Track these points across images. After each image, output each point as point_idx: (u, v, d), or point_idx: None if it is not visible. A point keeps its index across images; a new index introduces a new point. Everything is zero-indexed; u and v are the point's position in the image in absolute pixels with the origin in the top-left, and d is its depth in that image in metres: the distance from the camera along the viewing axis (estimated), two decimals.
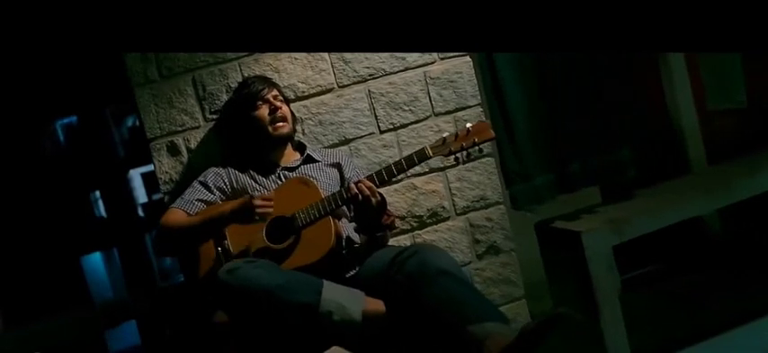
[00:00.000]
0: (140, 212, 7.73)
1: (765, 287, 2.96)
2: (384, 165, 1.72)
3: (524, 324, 1.10)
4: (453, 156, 1.60)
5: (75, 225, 5.87)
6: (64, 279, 5.35)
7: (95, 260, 6.87)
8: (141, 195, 9.41)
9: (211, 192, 1.76)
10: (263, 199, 1.55)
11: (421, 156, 1.62)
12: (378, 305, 1.40)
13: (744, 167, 2.70)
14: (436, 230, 2.04)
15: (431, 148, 1.62)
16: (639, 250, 3.44)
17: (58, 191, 5.61)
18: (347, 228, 1.70)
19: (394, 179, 1.79)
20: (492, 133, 1.63)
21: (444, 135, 1.63)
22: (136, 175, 8.97)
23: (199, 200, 1.75)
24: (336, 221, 1.67)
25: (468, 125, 1.63)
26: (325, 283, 1.42)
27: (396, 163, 1.63)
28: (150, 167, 2.16)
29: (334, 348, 1.53)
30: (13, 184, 5.24)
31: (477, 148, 1.60)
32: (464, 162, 1.86)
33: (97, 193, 7.03)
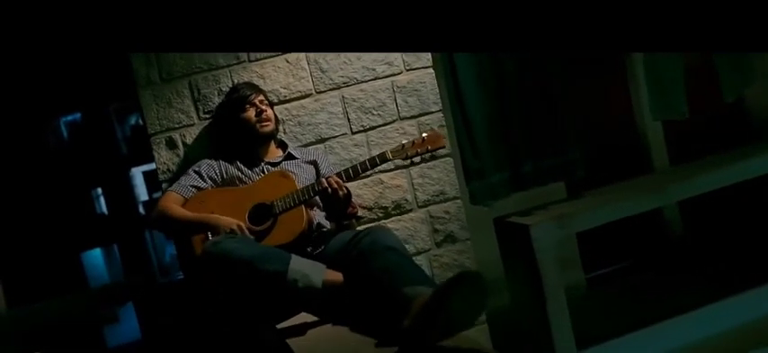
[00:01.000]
0: (141, 210, 8.03)
1: (706, 284, 3.23)
2: (355, 161, 2.00)
3: (438, 284, 1.39)
4: (409, 159, 1.90)
5: (76, 221, 6.05)
6: (64, 274, 5.55)
7: (95, 256, 6.95)
8: (142, 193, 9.48)
9: (204, 180, 2.05)
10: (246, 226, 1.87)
11: (382, 158, 1.92)
12: (336, 276, 1.69)
13: (694, 169, 2.98)
14: (400, 220, 2.33)
15: (391, 152, 1.92)
16: (608, 250, 3.76)
17: (61, 187, 5.80)
18: (318, 216, 1.99)
19: (359, 176, 2.07)
20: (443, 142, 1.92)
21: (403, 142, 1.93)
22: (137, 173, 9.04)
23: (193, 186, 2.04)
24: (309, 209, 1.96)
25: (424, 135, 1.93)
26: (293, 256, 1.71)
27: (361, 163, 1.92)
28: (152, 166, 2.44)
29: (301, 314, 1.82)
30: (16, 178, 5.46)
31: (429, 154, 1.90)
32: (423, 162, 2.14)
33: (99, 190, 7.09)
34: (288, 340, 1.67)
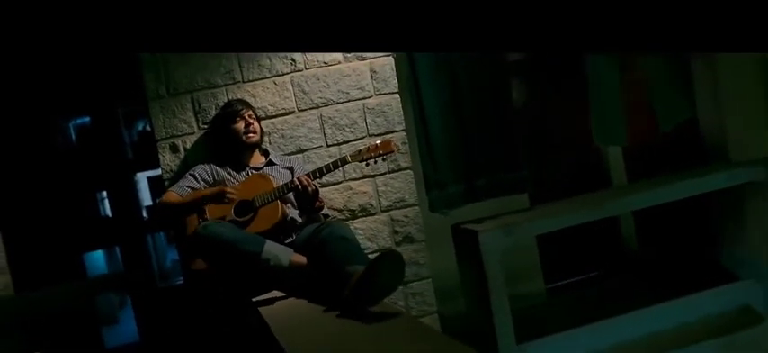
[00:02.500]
0: (145, 214, 7.83)
1: (649, 292, 3.57)
2: None
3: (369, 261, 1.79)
4: (365, 162, 2.31)
5: (80, 222, 6.15)
6: (66, 273, 5.73)
7: (97, 258, 7.14)
8: (146, 198, 9.56)
9: (198, 182, 2.46)
10: (231, 189, 2.26)
11: (343, 161, 2.33)
12: (301, 258, 2.09)
13: (633, 188, 3.36)
14: (365, 221, 2.73)
15: (350, 155, 2.33)
16: (571, 262, 4.18)
17: (67, 187, 5.94)
18: (292, 211, 2.40)
19: (325, 175, 2.43)
20: (392, 148, 2.33)
21: (360, 148, 2.34)
22: (142, 178, 9.12)
23: (188, 186, 2.45)
24: (284, 205, 2.36)
25: (377, 142, 2.34)
26: (267, 241, 2.12)
27: (325, 165, 2.34)
28: (157, 172, 2.81)
29: (273, 291, 2.22)
30: (24, 178, 5.54)
31: (381, 157, 2.31)
32: (374, 164, 2.50)
33: (104, 192, 7.19)
34: (260, 308, 2.07)
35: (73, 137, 6.88)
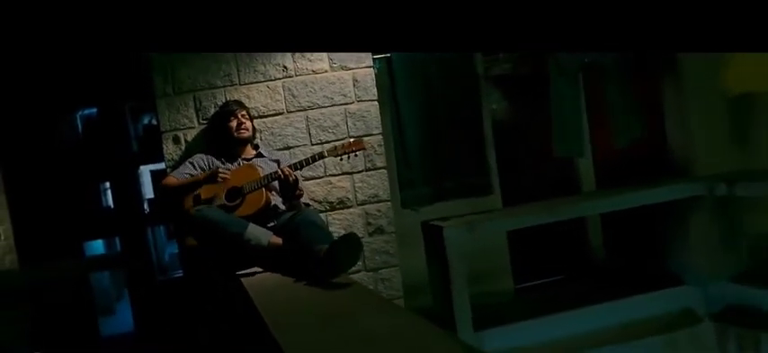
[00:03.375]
0: (146, 207, 7.97)
1: (607, 293, 3.88)
2: None
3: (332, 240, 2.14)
4: (339, 156, 2.66)
5: (82, 212, 6.26)
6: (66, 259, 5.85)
7: (97, 247, 7.35)
8: (148, 191, 9.65)
9: (195, 169, 2.81)
10: (224, 170, 2.63)
11: (320, 155, 2.68)
12: (277, 239, 2.45)
13: (590, 196, 3.70)
14: (342, 213, 3.08)
15: (327, 150, 2.68)
16: (541, 266, 4.53)
17: (71, 177, 6.10)
18: (275, 199, 2.75)
19: (305, 167, 2.75)
20: (363, 146, 2.68)
21: (336, 144, 2.70)
22: (145, 171, 9.19)
23: (187, 173, 2.80)
24: (268, 192, 2.71)
25: (351, 139, 2.69)
26: (250, 224, 2.47)
27: (306, 159, 2.69)
28: (160, 166, 3.12)
29: (254, 267, 2.57)
30: (33, 165, 5.77)
31: (354, 153, 2.66)
32: (347, 159, 2.83)
33: (107, 184, 7.29)
34: (242, 280, 2.42)
35: (79, 128, 6.93)
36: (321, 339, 1.57)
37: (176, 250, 5.50)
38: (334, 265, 2.07)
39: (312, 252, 2.19)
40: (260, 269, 2.54)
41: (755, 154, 4.35)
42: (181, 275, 4.78)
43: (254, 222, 2.55)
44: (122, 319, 6.98)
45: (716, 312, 3.54)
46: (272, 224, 2.64)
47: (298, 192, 2.68)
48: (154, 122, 7.18)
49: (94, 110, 6.73)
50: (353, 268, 2.91)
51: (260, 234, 2.44)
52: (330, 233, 2.38)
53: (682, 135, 4.46)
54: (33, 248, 5.96)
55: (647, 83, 4.55)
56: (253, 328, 2.05)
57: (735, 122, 4.35)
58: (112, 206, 7.17)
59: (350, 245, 2.08)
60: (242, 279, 2.41)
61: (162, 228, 10.23)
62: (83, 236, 6.48)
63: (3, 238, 6.42)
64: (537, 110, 4.19)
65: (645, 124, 3.77)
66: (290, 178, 2.61)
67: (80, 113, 6.88)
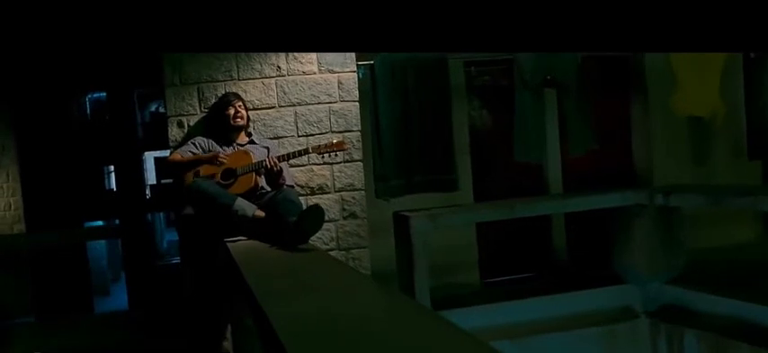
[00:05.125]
0: (148, 193, 8.24)
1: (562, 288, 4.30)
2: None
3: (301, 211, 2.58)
4: (321, 154, 3.09)
5: (85, 193, 6.54)
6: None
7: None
8: (151, 177, 9.87)
9: (196, 148, 3.25)
10: (223, 155, 3.07)
11: (305, 151, 3.12)
12: (261, 213, 2.89)
13: (551, 197, 4.13)
14: (320, 198, 3.51)
15: (311, 148, 3.12)
16: (510, 263, 4.97)
17: (78, 158, 6.41)
18: (262, 181, 3.19)
19: (290, 160, 3.21)
20: (344, 146, 3.12)
21: (320, 143, 3.14)
22: (149, 157, 9.39)
23: (189, 151, 3.24)
24: (258, 176, 3.15)
25: (334, 140, 3.13)
26: (239, 197, 2.92)
27: (292, 152, 3.13)
28: (165, 153, 3.51)
29: (240, 237, 3.01)
30: (42, 144, 6.16)
31: (334, 152, 3.09)
32: (328, 157, 3.28)
33: (111, 167, 7.49)
34: (229, 246, 2.86)
35: (88, 110, 7.20)
36: (285, 285, 2.01)
37: (175, 238, 5.72)
38: (302, 231, 2.52)
39: (286, 223, 2.63)
40: (244, 238, 2.98)
41: (712, 171, 4.79)
42: (178, 261, 5.01)
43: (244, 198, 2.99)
44: (118, 299, 7.25)
45: (652, 309, 3.96)
46: (258, 202, 3.09)
47: (281, 180, 3.13)
48: (160, 109, 7.49)
49: (103, 94, 6.92)
50: (327, 247, 3.37)
51: (246, 207, 2.89)
52: (301, 206, 2.83)
53: (644, 149, 4.91)
54: (39, 221, 6.37)
55: (617, 100, 5.01)
56: (234, 281, 2.49)
57: (694, 141, 4.79)
58: (115, 189, 7.35)
59: (314, 215, 2.52)
60: (228, 244, 2.86)
61: (161, 215, 10.41)
62: (85, 215, 6.67)
63: (13, 208, 6.89)
64: (511, 119, 4.64)
65: (598, 137, 4.20)
66: (275, 169, 3.04)
67: (89, 96, 7.15)
